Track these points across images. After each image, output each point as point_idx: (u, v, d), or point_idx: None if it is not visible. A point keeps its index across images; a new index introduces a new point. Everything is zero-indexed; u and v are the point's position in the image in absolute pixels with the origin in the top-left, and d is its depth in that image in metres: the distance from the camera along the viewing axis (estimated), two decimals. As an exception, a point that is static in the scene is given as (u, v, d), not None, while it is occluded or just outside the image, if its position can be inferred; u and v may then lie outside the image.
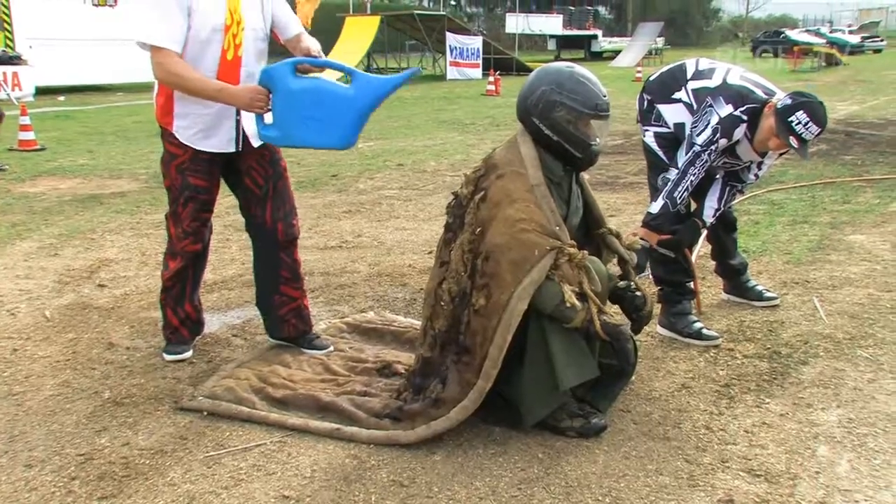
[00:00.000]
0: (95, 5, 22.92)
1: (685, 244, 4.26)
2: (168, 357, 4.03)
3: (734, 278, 4.80)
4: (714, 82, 4.18)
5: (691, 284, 4.38)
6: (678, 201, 4.08)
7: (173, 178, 3.88)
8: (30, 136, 11.54)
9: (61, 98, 20.63)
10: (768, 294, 4.77)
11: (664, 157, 4.32)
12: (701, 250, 5.38)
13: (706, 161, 4.06)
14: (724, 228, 4.67)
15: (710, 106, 4.07)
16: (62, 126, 14.76)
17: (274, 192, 3.93)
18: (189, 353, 4.06)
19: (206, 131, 3.77)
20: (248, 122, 3.80)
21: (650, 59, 40.07)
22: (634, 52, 41.05)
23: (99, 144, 12.40)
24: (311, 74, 3.66)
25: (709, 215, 4.31)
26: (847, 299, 4.79)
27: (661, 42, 45.68)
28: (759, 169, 4.35)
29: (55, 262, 5.82)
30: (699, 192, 4.30)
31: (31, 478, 2.98)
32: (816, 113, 3.86)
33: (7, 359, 4.06)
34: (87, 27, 22.15)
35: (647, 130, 4.41)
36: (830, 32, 50.29)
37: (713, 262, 4.87)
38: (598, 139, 3.30)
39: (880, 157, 10.09)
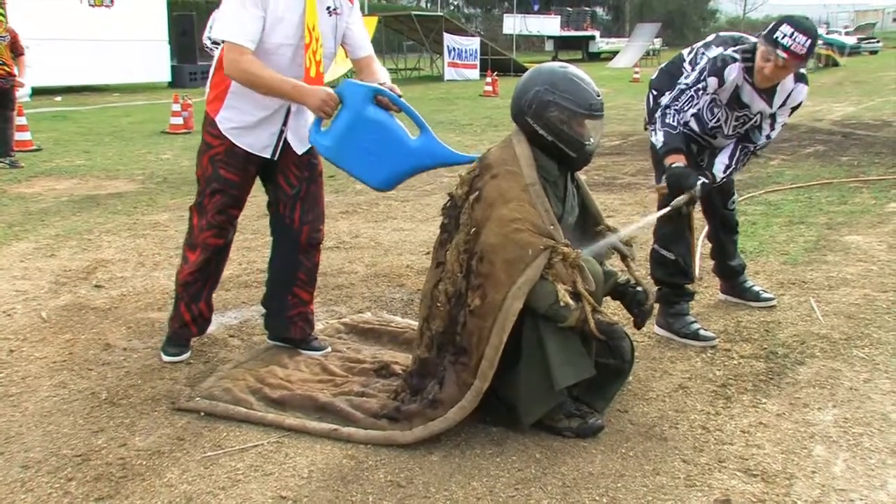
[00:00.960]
0: (92, 5, 22.84)
1: (689, 185, 4.03)
2: (166, 358, 4.02)
3: (732, 279, 4.81)
4: (706, 40, 4.34)
5: (690, 286, 4.38)
6: (676, 125, 4.07)
7: (204, 168, 3.84)
8: (26, 136, 11.52)
9: (58, 98, 20.59)
10: (765, 295, 4.77)
11: None
12: (700, 249, 5.39)
13: (692, 97, 4.07)
14: (725, 230, 4.68)
15: (703, 53, 4.16)
16: (58, 127, 14.74)
17: (306, 195, 3.91)
18: (187, 355, 4.06)
19: (247, 129, 3.75)
20: (293, 133, 3.82)
21: (647, 59, 40.10)
22: (632, 53, 41.10)
23: (95, 145, 12.39)
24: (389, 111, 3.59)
25: (719, 170, 4.29)
26: (843, 300, 4.80)
27: (658, 43, 45.70)
28: (772, 129, 4.30)
29: (52, 263, 5.81)
30: (711, 156, 4.37)
31: (28, 479, 2.97)
32: (800, 23, 3.91)
33: (3, 360, 4.06)
34: (84, 27, 22.09)
35: (654, 130, 4.35)
36: (827, 34, 50.30)
37: (712, 262, 4.87)
38: (592, 139, 3.30)
39: (876, 157, 10.11)
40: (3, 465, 3.07)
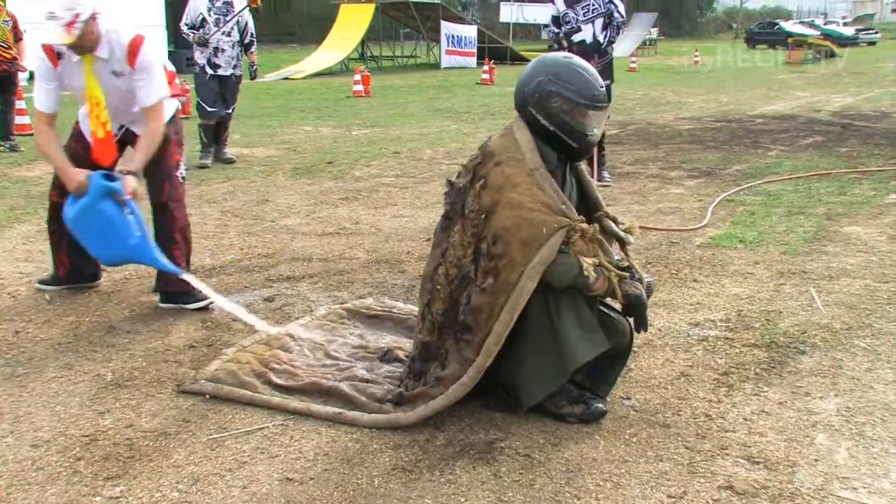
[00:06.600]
0: (89, -11, 22.76)
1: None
2: (37, 285, 4.81)
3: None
4: None
5: None
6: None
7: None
8: (25, 120, 11.46)
9: (55, 82, 20.50)
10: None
11: None
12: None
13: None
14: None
15: None
16: (56, 110, 14.67)
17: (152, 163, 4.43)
18: (55, 288, 4.77)
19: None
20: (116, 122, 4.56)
21: (644, 49, 40.07)
22: (628, 42, 40.88)
23: (94, 129, 12.33)
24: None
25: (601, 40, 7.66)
26: (844, 290, 4.82)
27: (655, 33, 45.65)
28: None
29: (53, 246, 5.80)
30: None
31: (38, 457, 2.99)
32: None
33: (10, 341, 4.07)
34: (81, 11, 22.01)
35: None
36: (825, 24, 50.31)
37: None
38: (594, 129, 3.30)
39: (875, 149, 10.13)
40: (14, 443, 3.10)
